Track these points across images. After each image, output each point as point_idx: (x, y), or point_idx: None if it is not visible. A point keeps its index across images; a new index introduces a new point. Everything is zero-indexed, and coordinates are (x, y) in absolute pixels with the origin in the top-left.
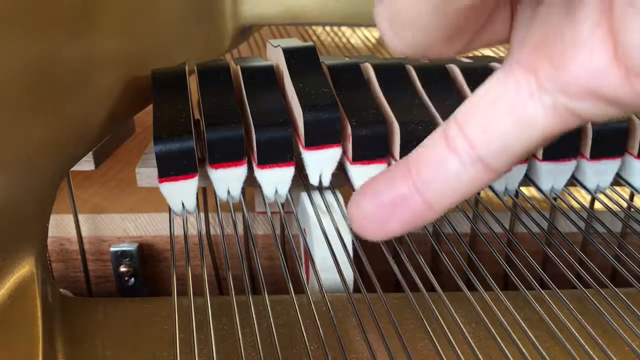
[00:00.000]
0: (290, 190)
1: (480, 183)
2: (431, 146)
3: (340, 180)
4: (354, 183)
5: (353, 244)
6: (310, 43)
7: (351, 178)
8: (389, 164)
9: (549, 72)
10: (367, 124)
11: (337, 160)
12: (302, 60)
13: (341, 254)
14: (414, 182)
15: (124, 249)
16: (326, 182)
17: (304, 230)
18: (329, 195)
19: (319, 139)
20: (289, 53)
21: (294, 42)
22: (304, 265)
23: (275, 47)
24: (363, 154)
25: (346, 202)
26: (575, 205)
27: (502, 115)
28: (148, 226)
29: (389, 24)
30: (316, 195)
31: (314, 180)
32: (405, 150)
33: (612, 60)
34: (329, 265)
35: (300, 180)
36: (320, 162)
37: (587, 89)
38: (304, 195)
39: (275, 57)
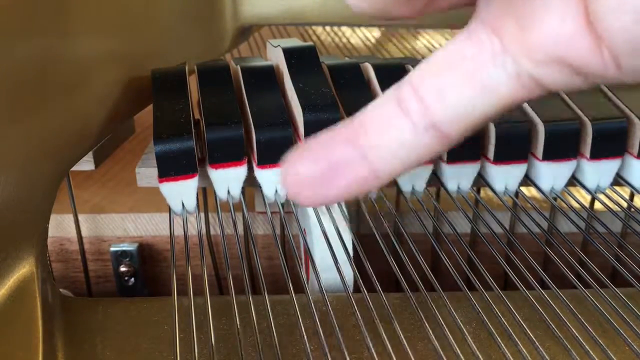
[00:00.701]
0: None
1: (431, 150)
2: (382, 107)
3: None
4: None
5: (353, 244)
6: (310, 43)
7: None
8: None
9: (515, 34)
10: None
11: None
12: (302, 60)
13: (341, 254)
14: (361, 145)
15: (124, 248)
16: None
17: (304, 230)
18: None
19: None
20: (289, 53)
21: (294, 42)
22: (304, 265)
23: (275, 47)
24: None
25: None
26: (575, 205)
27: (461, 79)
28: (148, 226)
29: None
30: None
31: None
32: None
33: (583, 27)
34: (329, 265)
35: None
36: None
37: (554, 55)
38: None
39: (275, 57)
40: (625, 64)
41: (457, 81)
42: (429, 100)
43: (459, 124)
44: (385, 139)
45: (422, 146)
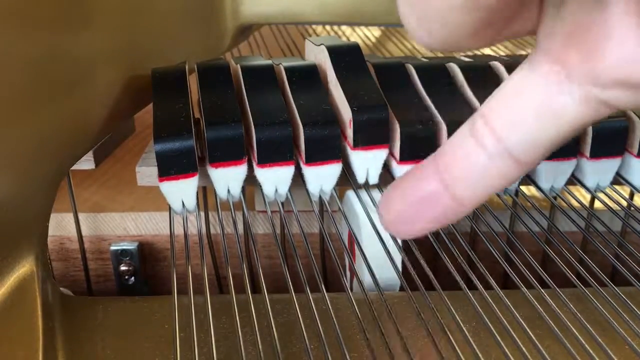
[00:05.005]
0: (290, 189)
1: (510, 177)
2: (458, 141)
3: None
4: None
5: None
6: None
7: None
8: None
9: (578, 63)
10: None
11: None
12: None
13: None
14: (443, 178)
15: (124, 247)
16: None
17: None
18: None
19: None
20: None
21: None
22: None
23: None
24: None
25: None
26: (575, 204)
27: (529, 107)
28: (148, 225)
29: (417, 22)
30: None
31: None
32: (405, 150)
33: None
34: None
35: (301, 179)
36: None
37: (618, 78)
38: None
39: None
40: None
41: (525, 110)
42: (500, 130)
43: (531, 150)
44: (464, 170)
45: (500, 174)
